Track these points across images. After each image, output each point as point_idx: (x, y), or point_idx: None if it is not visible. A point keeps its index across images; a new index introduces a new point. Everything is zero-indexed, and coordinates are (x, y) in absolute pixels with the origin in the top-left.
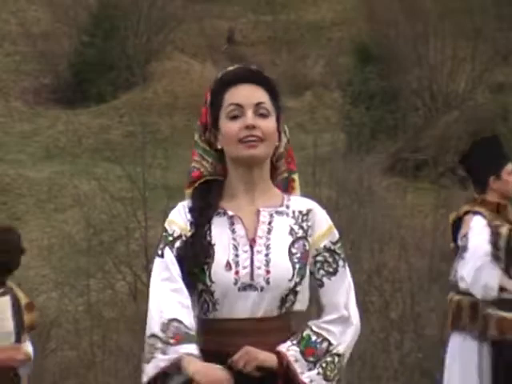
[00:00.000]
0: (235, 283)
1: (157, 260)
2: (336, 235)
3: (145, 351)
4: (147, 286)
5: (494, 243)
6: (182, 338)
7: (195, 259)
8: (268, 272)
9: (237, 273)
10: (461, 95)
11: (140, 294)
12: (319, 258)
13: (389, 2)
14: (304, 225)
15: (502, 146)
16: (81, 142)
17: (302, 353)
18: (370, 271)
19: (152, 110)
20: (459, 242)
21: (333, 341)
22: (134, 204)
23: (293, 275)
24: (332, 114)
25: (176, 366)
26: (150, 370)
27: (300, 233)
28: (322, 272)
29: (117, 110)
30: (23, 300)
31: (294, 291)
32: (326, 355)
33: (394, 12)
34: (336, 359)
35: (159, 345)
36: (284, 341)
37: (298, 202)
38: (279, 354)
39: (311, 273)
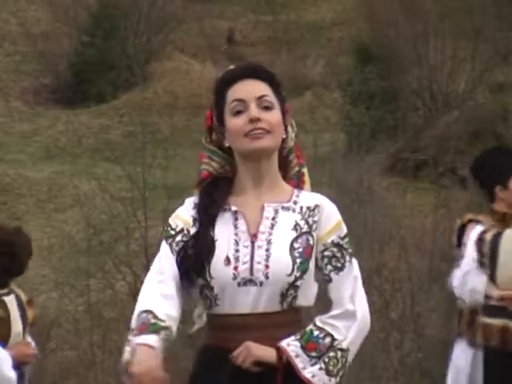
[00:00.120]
0: (234, 278)
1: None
2: (344, 230)
3: None
4: None
5: (479, 249)
6: (144, 328)
7: (196, 258)
8: (267, 267)
9: (236, 268)
10: (461, 95)
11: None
12: (327, 253)
13: (389, 2)
14: (310, 220)
15: (510, 157)
16: (81, 142)
17: (303, 348)
18: (370, 271)
19: (152, 109)
20: (459, 250)
21: (337, 336)
22: (134, 204)
23: (292, 270)
24: (332, 113)
25: None
26: (122, 364)
27: (305, 228)
28: (329, 267)
29: (117, 110)
30: (23, 297)
31: (294, 286)
32: (329, 350)
33: (394, 12)
34: (339, 354)
35: (129, 337)
36: (289, 336)
37: (307, 198)
38: (279, 349)
39: (320, 268)
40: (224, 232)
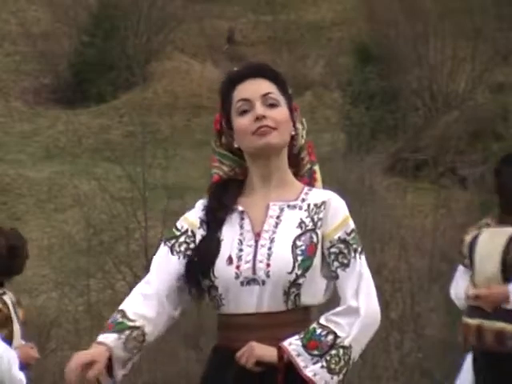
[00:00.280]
0: (236, 277)
1: None
2: (350, 226)
3: None
4: None
5: (460, 251)
6: (111, 327)
7: (202, 259)
8: (268, 265)
9: (238, 267)
10: (461, 95)
11: None
12: (333, 250)
13: (389, 2)
14: (315, 217)
15: None
16: (81, 142)
17: (305, 346)
18: (370, 271)
19: (152, 109)
20: None
21: (340, 333)
22: (134, 204)
23: (293, 268)
24: (332, 113)
25: None
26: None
27: (310, 225)
28: (336, 264)
29: (117, 110)
30: (13, 297)
31: (296, 284)
32: (331, 348)
33: (394, 12)
34: (341, 352)
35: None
36: (293, 335)
37: (316, 195)
38: (280, 349)
39: (328, 265)
40: (230, 232)
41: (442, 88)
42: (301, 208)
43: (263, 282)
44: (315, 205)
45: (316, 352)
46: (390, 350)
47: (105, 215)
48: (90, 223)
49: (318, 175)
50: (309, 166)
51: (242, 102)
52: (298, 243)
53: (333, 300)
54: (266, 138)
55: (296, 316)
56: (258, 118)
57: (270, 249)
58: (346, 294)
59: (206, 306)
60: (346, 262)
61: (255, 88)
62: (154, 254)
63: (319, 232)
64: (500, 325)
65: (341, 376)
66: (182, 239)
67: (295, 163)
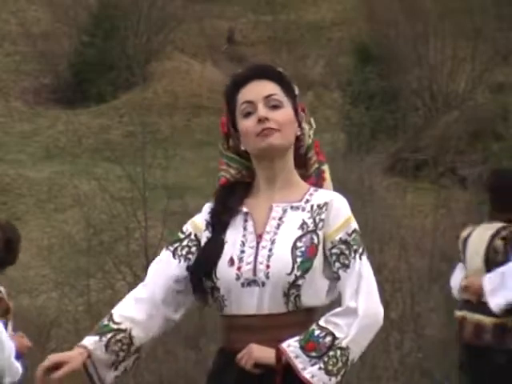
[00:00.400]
0: (237, 279)
1: None
2: (352, 227)
3: None
4: None
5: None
6: (96, 329)
7: (205, 261)
8: (268, 266)
9: (239, 268)
10: (461, 95)
11: None
12: (335, 251)
13: (389, 2)
14: (317, 218)
15: None
16: (81, 142)
17: (303, 348)
18: None
19: (152, 109)
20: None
21: (338, 334)
22: (134, 204)
23: (292, 269)
24: (332, 113)
25: None
26: None
27: (311, 226)
28: (337, 265)
29: (117, 110)
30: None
31: (295, 285)
32: (329, 349)
33: (394, 12)
34: (338, 353)
35: None
36: (293, 337)
37: (321, 196)
38: (278, 351)
39: (330, 266)
40: (234, 234)
41: (442, 88)
42: (304, 209)
43: (263, 284)
44: (318, 205)
45: (314, 354)
46: (389, 350)
47: (105, 215)
48: (90, 223)
49: (327, 175)
50: (317, 165)
51: (246, 104)
52: (299, 244)
53: (337, 301)
54: (269, 139)
55: (297, 318)
56: (261, 120)
57: (270, 250)
58: (346, 294)
59: (208, 307)
60: (346, 262)
61: (258, 90)
62: (154, 254)
63: (320, 233)
64: (478, 317)
65: (339, 377)
66: (184, 243)
67: (303, 163)
